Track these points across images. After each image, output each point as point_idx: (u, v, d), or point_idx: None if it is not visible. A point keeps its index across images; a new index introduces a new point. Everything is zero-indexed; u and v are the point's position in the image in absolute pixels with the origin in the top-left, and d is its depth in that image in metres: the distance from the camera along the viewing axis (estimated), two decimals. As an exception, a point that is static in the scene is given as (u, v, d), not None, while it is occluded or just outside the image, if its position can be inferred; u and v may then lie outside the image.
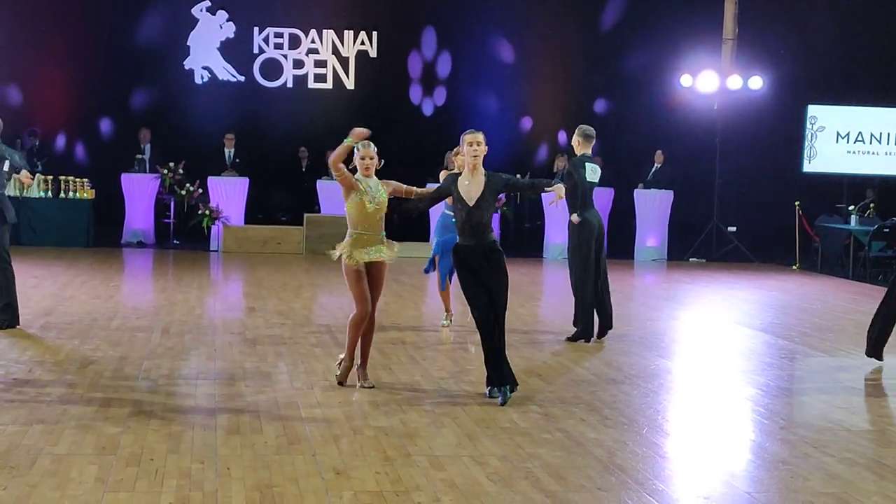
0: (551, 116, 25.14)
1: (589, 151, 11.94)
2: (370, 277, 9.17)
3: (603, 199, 23.15)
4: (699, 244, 22.74)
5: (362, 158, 9.33)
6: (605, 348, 11.48)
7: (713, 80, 22.68)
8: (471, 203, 8.79)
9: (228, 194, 22.03)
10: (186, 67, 24.43)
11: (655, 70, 23.96)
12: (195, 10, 24.25)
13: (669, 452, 7.56)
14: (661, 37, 23.93)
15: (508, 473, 6.77)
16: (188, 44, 24.35)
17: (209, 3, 24.26)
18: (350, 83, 24.94)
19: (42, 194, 20.66)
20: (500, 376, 8.68)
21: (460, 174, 9.05)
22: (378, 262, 9.20)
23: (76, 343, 10.74)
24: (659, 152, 22.90)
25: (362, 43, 24.89)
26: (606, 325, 11.98)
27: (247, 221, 22.43)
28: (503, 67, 24.91)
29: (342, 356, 9.28)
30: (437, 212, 12.61)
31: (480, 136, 8.89)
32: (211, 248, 21.54)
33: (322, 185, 22.86)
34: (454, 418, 8.11)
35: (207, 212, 21.38)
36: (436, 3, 24.60)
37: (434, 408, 8.47)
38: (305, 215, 21.88)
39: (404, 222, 23.00)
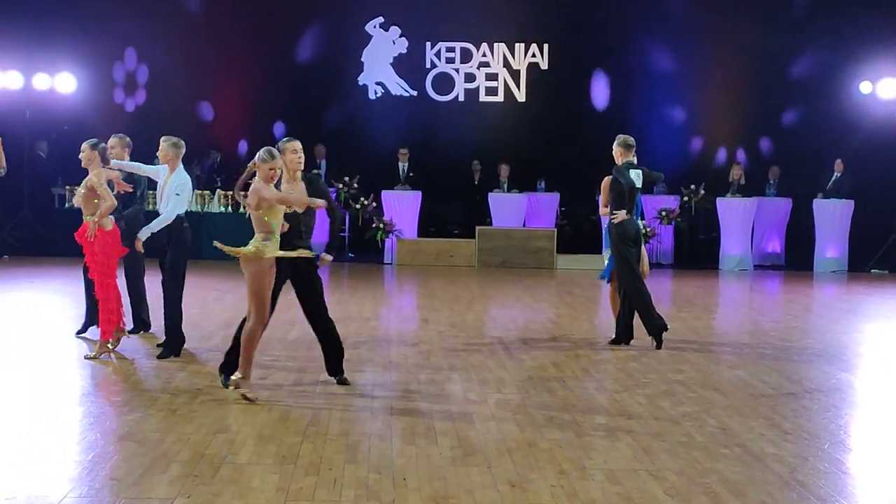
0: (727, 124, 24.74)
1: (633, 159, 11.82)
2: None
3: (781, 210, 22.71)
4: (881, 255, 22.07)
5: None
6: (785, 361, 11.21)
7: (894, 87, 22.05)
8: (301, 209, 9.08)
9: (402, 208, 22.32)
10: (360, 83, 24.86)
11: (833, 77, 23.38)
12: (369, 27, 24.67)
13: (852, 468, 7.33)
14: (839, 43, 23.35)
15: (686, 488, 6.66)
16: (362, 60, 24.78)
17: (382, 20, 24.64)
18: (521, 96, 25.01)
19: (222, 209, 21.26)
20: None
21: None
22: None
23: (255, 354, 10.96)
24: (839, 161, 22.31)
25: (533, 55, 24.93)
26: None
27: (419, 234, 22.68)
28: (675, 77, 24.60)
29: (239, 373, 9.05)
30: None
31: (299, 144, 9.29)
32: (385, 261, 21.85)
33: (493, 198, 22.99)
34: (629, 432, 8.03)
35: (381, 225, 21.68)
36: (606, 15, 24.42)
37: (609, 421, 8.39)
38: (477, 228, 22.01)
39: (576, 235, 22.96)
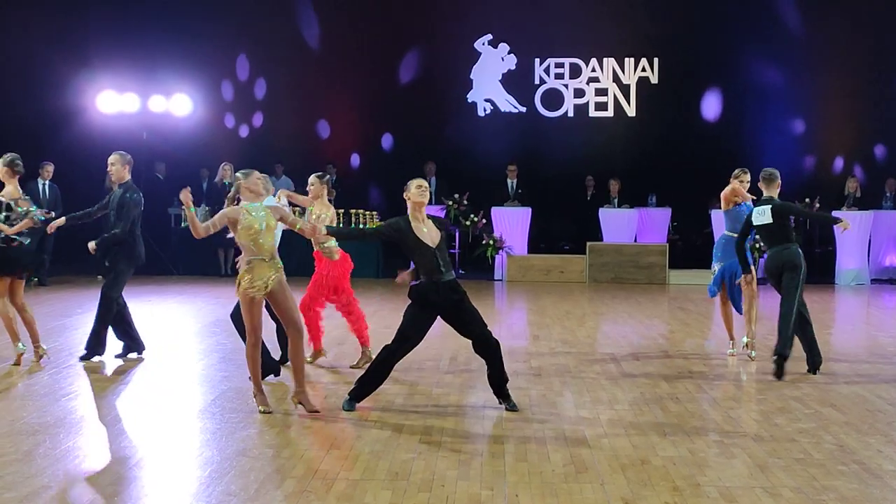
0: (841, 137, 24.31)
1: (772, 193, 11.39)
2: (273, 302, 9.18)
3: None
4: None
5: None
6: (904, 378, 10.98)
7: None
8: (434, 245, 9.15)
9: (511, 224, 22.33)
10: (469, 100, 24.95)
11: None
12: (477, 44, 24.77)
13: (977, 488, 7.16)
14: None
15: (803, 506, 6.57)
16: (471, 77, 24.88)
17: (491, 37, 24.72)
18: (631, 110, 24.87)
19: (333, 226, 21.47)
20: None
21: (408, 219, 9.28)
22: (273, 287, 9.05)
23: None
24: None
25: (643, 70, 24.79)
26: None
27: (530, 251, 22.67)
28: (787, 89, 24.24)
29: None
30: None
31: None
32: (495, 277, 21.87)
33: (604, 214, 22.87)
34: (744, 448, 7.93)
35: (491, 241, 21.72)
36: (716, 28, 24.13)
37: (723, 437, 8.30)
38: (588, 244, 21.92)
39: (688, 250, 22.74)
